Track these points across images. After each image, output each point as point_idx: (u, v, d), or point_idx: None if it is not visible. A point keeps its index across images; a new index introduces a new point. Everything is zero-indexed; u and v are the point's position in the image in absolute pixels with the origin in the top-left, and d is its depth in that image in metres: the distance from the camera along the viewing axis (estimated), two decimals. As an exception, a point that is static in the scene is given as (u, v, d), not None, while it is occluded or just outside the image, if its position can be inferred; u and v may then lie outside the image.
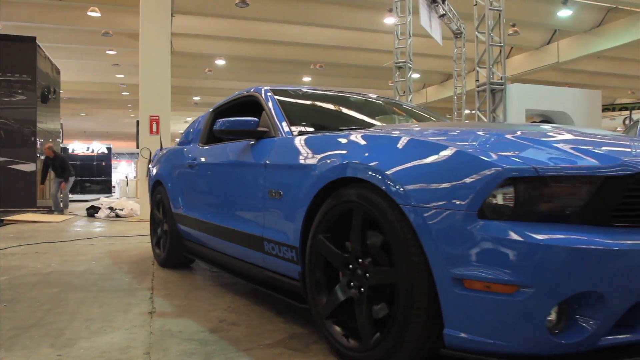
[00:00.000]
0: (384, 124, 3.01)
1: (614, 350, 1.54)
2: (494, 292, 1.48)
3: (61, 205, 10.05)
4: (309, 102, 3.24)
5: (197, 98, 23.74)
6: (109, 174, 22.60)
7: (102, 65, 17.06)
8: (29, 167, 10.53)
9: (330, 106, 3.28)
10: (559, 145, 1.69)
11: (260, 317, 2.59)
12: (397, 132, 2.07)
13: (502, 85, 6.60)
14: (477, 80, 7.00)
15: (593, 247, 1.43)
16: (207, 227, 3.21)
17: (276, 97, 2.93)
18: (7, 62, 10.43)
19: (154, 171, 4.40)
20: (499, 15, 6.64)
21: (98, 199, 16.66)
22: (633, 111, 20.66)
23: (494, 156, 1.54)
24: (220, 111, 3.67)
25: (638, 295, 1.50)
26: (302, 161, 2.26)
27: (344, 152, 2.04)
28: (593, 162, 1.54)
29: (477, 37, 6.97)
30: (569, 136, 1.92)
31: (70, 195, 10.78)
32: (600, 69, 16.53)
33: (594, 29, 13.09)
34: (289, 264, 2.31)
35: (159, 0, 9.03)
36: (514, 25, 12.64)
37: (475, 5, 7.25)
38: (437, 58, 15.71)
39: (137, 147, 9.16)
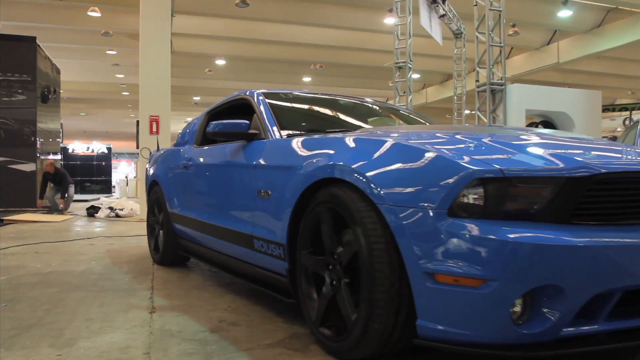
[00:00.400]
0: (368, 127, 3.09)
1: (575, 341, 1.65)
2: (462, 286, 1.59)
3: (60, 207, 10.04)
4: (299, 105, 3.31)
5: (197, 98, 23.74)
6: (109, 174, 22.59)
7: (102, 65, 17.05)
8: (29, 167, 10.51)
9: (320, 109, 3.36)
10: (527, 149, 1.84)
11: (260, 317, 2.59)
12: (378, 135, 2.16)
13: (502, 85, 6.59)
14: (477, 81, 7.00)
15: (554, 243, 1.55)
16: (201, 225, 3.30)
17: (267, 100, 3.03)
18: (7, 62, 10.43)
19: (151, 171, 4.48)
20: (499, 15, 6.64)
21: (98, 198, 16.66)
22: (633, 111, 20.67)
23: (464, 159, 1.66)
24: (215, 113, 3.76)
25: (595, 289, 1.60)
26: (288, 162, 2.36)
27: (328, 154, 2.12)
28: (556, 164, 1.66)
29: (477, 37, 6.97)
30: (537, 140, 2.06)
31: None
32: (600, 69, 16.53)
33: (594, 29, 13.10)
34: (276, 261, 2.40)
35: (159, 0, 9.03)
36: (514, 26, 12.64)
37: (475, 5, 7.25)
38: (437, 58, 15.71)
39: (137, 147, 9.17)
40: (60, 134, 14.58)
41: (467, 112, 14.33)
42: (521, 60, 15.71)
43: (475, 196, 1.61)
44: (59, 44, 13.71)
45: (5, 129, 10.29)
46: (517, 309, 1.61)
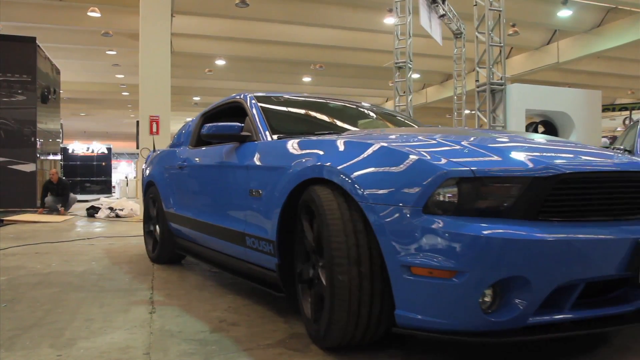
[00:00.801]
0: (355, 129, 3.19)
1: (541, 328, 1.78)
2: (436, 277, 1.72)
3: (59, 207, 10.03)
4: (289, 108, 3.43)
5: (197, 98, 23.73)
6: (109, 174, 22.58)
7: (102, 65, 17.05)
8: (29, 167, 10.52)
9: (309, 112, 3.46)
10: (498, 151, 1.94)
11: (260, 317, 2.59)
12: (361, 138, 2.28)
13: (502, 85, 6.59)
14: (477, 81, 6.99)
15: (520, 238, 1.67)
16: (196, 224, 3.41)
17: (259, 103, 3.13)
18: (7, 62, 10.43)
19: (147, 172, 4.56)
20: (499, 15, 6.64)
21: (98, 199, 16.66)
22: (633, 111, 20.67)
23: (439, 160, 1.79)
24: (209, 115, 3.85)
25: (559, 281, 1.73)
26: (278, 163, 2.47)
27: (316, 155, 2.23)
28: (524, 164, 1.79)
29: (477, 37, 6.97)
30: (508, 142, 2.23)
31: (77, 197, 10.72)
32: (600, 69, 16.53)
33: (594, 29, 13.09)
34: (267, 257, 2.50)
35: (159, 0, 9.03)
36: (514, 26, 12.63)
37: (475, 5, 7.25)
38: (437, 58, 15.70)
39: (137, 147, 9.16)
40: (60, 134, 14.59)
41: (467, 112, 14.31)
42: (521, 60, 15.70)
43: (449, 195, 1.73)
44: (59, 44, 13.70)
45: (5, 129, 10.30)
46: (487, 298, 1.74)
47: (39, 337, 2.25)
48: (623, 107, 21.24)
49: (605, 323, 1.87)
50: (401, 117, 3.86)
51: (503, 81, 6.61)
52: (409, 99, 10.36)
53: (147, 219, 4.49)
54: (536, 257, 1.68)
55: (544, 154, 1.95)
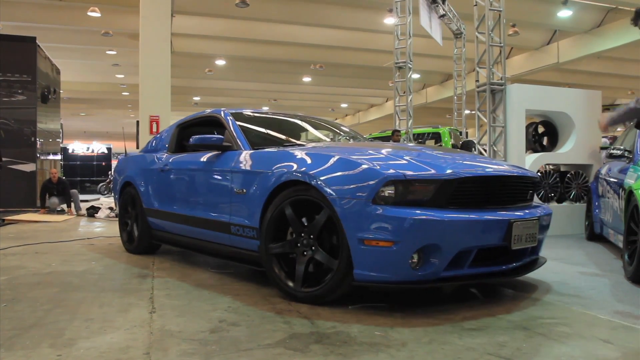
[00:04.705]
0: (315, 142, 3.93)
1: (449, 279, 2.73)
2: (381, 246, 2.58)
3: (66, 208, 10.02)
4: (259, 122, 4.16)
5: (197, 98, 23.73)
6: (109, 174, 22.57)
7: (102, 65, 17.04)
8: (29, 167, 10.51)
9: (276, 126, 4.20)
10: (423, 161, 2.86)
11: (260, 317, 2.59)
12: (328, 150, 3.12)
13: (502, 85, 6.58)
14: (477, 81, 6.98)
15: (435, 218, 2.58)
16: (180, 218, 3.98)
17: (235, 118, 3.86)
18: (7, 62, 10.42)
19: (122, 174, 5.04)
20: (499, 15, 6.63)
21: (98, 199, 16.64)
22: (633, 111, 20.60)
23: (383, 167, 2.67)
24: (184, 126, 4.56)
25: (460, 247, 2.65)
26: (260, 168, 3.22)
27: (293, 163, 3.00)
28: (439, 169, 2.74)
29: (477, 37, 6.96)
30: (431, 155, 3.14)
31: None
32: (600, 69, 16.51)
33: (594, 29, 13.08)
34: (250, 241, 3.21)
35: (159, 0, 9.02)
36: (514, 26, 12.62)
37: (475, 5, 7.23)
38: (437, 58, 15.69)
39: (137, 147, 9.16)
40: (60, 134, 14.58)
41: (467, 112, 14.31)
42: (521, 60, 15.69)
43: (389, 191, 2.60)
44: (59, 44, 13.69)
45: (5, 129, 10.29)
46: (415, 259, 2.61)
47: (39, 337, 2.25)
48: (623, 107, 21.19)
49: (492, 276, 2.92)
50: (346, 129, 4.74)
51: (503, 81, 6.60)
52: (409, 99, 10.36)
53: (124, 216, 4.95)
54: (444, 231, 2.59)
55: (452, 163, 2.93)
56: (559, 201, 6.99)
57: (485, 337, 2.29)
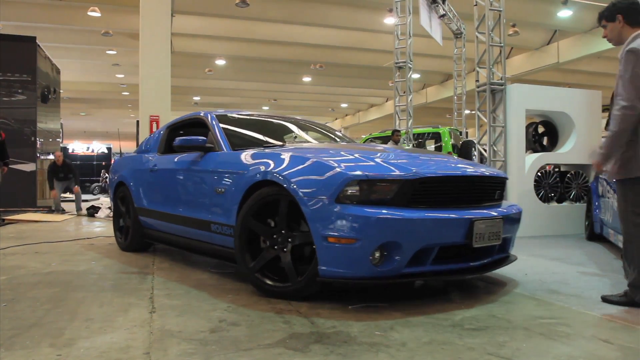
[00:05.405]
0: (294, 143, 4.07)
1: (412, 275, 2.80)
2: (343, 243, 2.65)
3: (61, 207, 10.02)
4: (243, 124, 4.26)
5: (197, 98, 23.73)
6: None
7: (102, 65, 17.05)
8: (29, 167, 10.52)
9: (259, 127, 4.30)
10: (386, 161, 2.96)
11: (260, 317, 2.59)
12: (297, 152, 3.17)
13: (502, 85, 6.58)
14: (477, 81, 6.98)
15: (396, 217, 2.66)
16: (168, 216, 4.10)
17: (219, 120, 3.99)
18: (7, 62, 10.42)
19: (116, 174, 5.15)
20: (499, 15, 6.63)
21: (98, 198, 16.65)
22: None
23: (347, 168, 2.77)
24: (174, 128, 4.68)
25: (420, 244, 2.71)
26: (237, 169, 3.31)
27: (265, 164, 3.10)
28: (403, 169, 2.81)
29: (477, 37, 6.96)
30: (394, 156, 3.20)
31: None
32: (600, 69, 16.51)
33: (594, 29, 13.08)
34: (228, 238, 3.30)
35: (159, 0, 9.02)
36: (514, 26, 12.63)
37: (475, 5, 7.23)
38: (437, 58, 15.70)
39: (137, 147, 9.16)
40: (60, 134, 14.58)
41: (467, 112, 14.31)
42: (521, 60, 15.69)
43: (352, 190, 2.69)
44: (59, 44, 13.70)
45: (5, 129, 10.28)
46: (376, 256, 2.67)
47: (39, 337, 2.25)
48: (623, 107, 21.18)
49: (457, 273, 2.95)
50: (326, 131, 4.86)
51: (503, 81, 6.60)
52: (409, 99, 10.36)
53: (117, 215, 5.12)
54: (404, 229, 2.66)
55: (417, 164, 2.98)
56: (559, 201, 7.00)
57: (485, 337, 2.29)
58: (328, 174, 2.75)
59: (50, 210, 9.94)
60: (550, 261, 4.48)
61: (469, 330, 2.40)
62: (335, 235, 2.64)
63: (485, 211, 3.02)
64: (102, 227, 7.39)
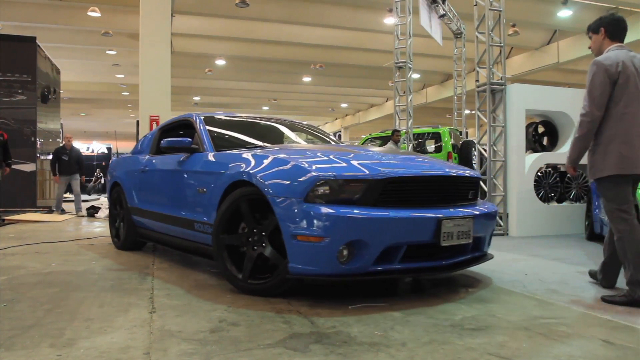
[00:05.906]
0: (273, 144, 4.06)
1: (379, 273, 2.82)
2: (311, 241, 2.72)
3: (61, 207, 10.02)
4: (230, 126, 4.37)
5: (197, 98, 23.72)
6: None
7: (102, 65, 17.04)
8: (29, 167, 10.51)
9: (244, 129, 4.40)
10: (356, 162, 3.02)
11: (260, 317, 2.59)
12: (272, 153, 3.26)
13: (502, 85, 6.58)
14: (477, 81, 6.98)
15: (362, 216, 2.72)
16: (157, 216, 4.24)
17: (205, 122, 4.11)
18: (7, 62, 10.41)
19: (112, 174, 5.31)
20: (499, 15, 6.63)
21: (98, 198, 16.65)
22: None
23: (317, 168, 2.86)
24: (166, 129, 4.80)
25: (387, 243, 2.76)
26: (217, 169, 3.44)
27: (242, 164, 3.21)
28: (372, 170, 2.89)
29: (477, 37, 6.95)
30: (364, 156, 3.29)
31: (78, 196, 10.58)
32: (600, 69, 16.48)
33: (594, 29, 13.08)
34: (209, 236, 3.36)
35: (159, 0, 9.02)
36: (514, 26, 12.62)
37: (475, 5, 7.23)
38: (437, 58, 15.69)
39: (137, 147, 9.14)
40: (60, 134, 14.58)
41: (467, 112, 14.30)
42: (521, 60, 15.69)
43: (321, 190, 2.78)
44: (59, 44, 13.69)
45: (5, 129, 10.27)
46: (343, 254, 2.73)
47: (39, 337, 2.25)
48: (623, 107, 21.17)
49: (426, 271, 3.07)
50: (313, 131, 4.99)
51: (503, 81, 6.60)
52: (409, 99, 10.36)
53: (113, 214, 5.23)
54: (370, 228, 2.72)
55: (388, 164, 3.09)
56: (559, 201, 7.00)
57: (485, 337, 2.29)
58: (298, 174, 2.84)
59: (50, 211, 9.95)
60: (550, 261, 4.48)
61: (469, 330, 2.40)
62: (304, 233, 2.72)
63: (453, 210, 3.07)
64: (102, 227, 7.39)
